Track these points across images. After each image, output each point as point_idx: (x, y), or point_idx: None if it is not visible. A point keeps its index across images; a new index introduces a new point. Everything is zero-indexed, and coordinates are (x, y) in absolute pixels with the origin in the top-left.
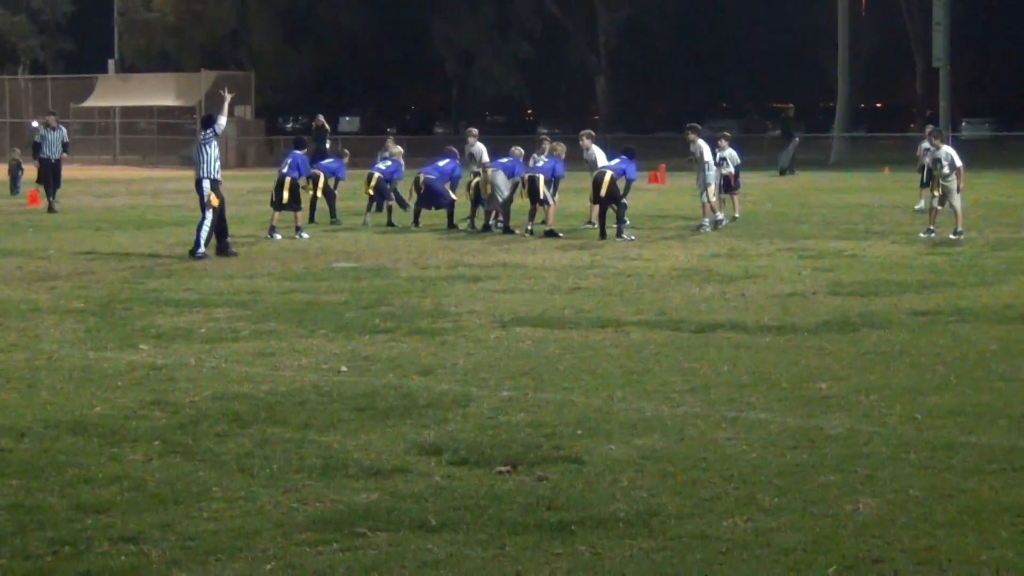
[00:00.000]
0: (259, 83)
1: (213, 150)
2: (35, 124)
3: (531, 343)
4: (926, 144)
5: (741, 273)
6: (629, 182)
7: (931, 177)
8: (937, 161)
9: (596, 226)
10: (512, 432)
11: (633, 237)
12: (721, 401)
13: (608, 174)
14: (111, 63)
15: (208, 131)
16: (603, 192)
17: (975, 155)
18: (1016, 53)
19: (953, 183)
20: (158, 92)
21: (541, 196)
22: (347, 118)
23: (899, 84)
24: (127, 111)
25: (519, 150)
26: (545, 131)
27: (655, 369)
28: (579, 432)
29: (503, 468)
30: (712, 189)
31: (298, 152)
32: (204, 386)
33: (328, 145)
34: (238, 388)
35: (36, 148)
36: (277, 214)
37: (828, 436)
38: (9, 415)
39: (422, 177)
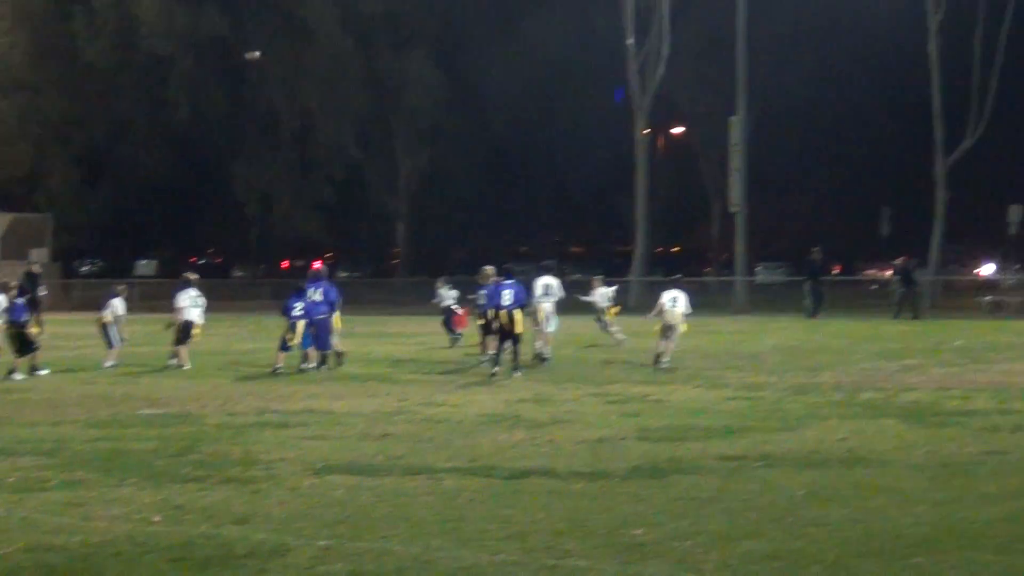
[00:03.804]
0: (56, 226)
1: None
2: None
3: (344, 491)
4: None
5: (549, 419)
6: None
7: None
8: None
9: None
10: None
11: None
12: (539, 548)
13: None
14: None
15: None
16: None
17: (769, 299)
18: (810, 198)
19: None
20: None
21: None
22: (143, 261)
23: (696, 228)
24: None
25: None
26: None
27: (470, 516)
28: None
29: None
30: None
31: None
32: (15, 537)
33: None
34: (51, 539)
35: None
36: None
37: None
38: None
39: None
